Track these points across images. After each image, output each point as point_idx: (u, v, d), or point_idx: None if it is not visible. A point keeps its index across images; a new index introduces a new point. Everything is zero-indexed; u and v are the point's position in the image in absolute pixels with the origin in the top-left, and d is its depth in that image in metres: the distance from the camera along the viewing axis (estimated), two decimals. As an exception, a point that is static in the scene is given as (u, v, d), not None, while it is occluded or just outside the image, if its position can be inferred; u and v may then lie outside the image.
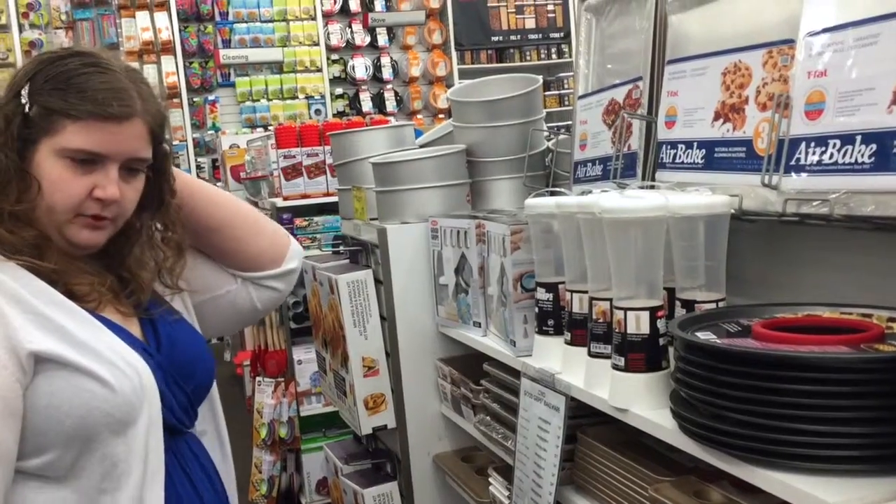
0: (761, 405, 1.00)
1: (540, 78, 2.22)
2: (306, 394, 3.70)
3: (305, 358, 3.65)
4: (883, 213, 1.10)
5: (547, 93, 7.66)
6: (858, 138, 1.14)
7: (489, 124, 2.13)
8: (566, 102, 7.79)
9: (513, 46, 8.02)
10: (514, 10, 8.00)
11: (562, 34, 8.08)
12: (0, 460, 1.06)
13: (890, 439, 0.94)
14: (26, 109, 1.17)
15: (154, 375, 1.20)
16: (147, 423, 1.17)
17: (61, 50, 1.25)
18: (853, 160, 1.15)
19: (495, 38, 7.94)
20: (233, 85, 7.24)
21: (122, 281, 1.29)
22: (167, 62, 6.96)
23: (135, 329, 1.26)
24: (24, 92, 1.17)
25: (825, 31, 1.23)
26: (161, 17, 6.95)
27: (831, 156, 1.18)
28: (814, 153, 1.22)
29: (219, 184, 5.89)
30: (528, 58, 8.03)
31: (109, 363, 1.14)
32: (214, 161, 6.87)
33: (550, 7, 8.08)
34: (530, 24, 8.06)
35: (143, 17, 6.94)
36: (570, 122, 2.15)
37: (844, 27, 1.20)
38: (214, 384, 1.40)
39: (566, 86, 7.89)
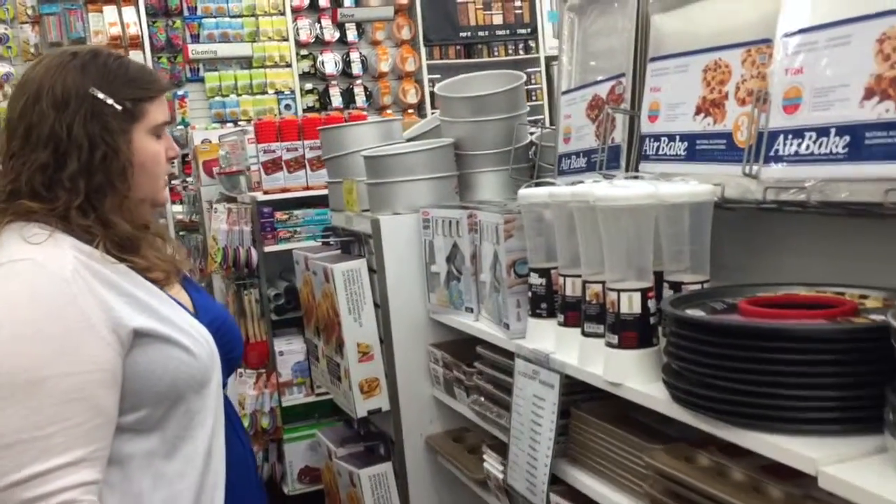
0: (750, 373, 1.10)
1: (523, 74, 2.31)
2: (288, 384, 3.76)
3: (287, 349, 3.71)
4: (856, 199, 1.20)
5: (514, 88, 7.74)
6: (833, 130, 1.25)
7: (476, 119, 2.21)
8: (534, 97, 7.88)
9: (481, 42, 8.09)
10: (481, 6, 8.07)
11: (529, 30, 8.18)
12: (109, 422, 1.22)
13: (864, 402, 1.04)
14: (117, 107, 1.31)
15: None
16: (217, 382, 1.36)
17: (71, 55, 1.34)
18: (828, 150, 1.25)
19: (463, 34, 8.00)
20: (202, 80, 7.22)
21: None
22: (135, 57, 6.84)
23: (186, 300, 1.41)
24: (101, 95, 1.30)
25: (800, 31, 1.33)
26: (129, 12, 6.91)
27: (807, 147, 1.29)
28: (791, 144, 1.32)
29: (189, 179, 5.89)
30: (495, 53, 8.11)
31: (188, 334, 1.30)
32: (185, 156, 6.86)
33: (518, 3, 8.17)
34: (498, 19, 8.13)
35: (110, 11, 6.89)
36: (540, 117, 2.24)
37: (818, 28, 1.30)
38: None
39: (534, 81, 8.00)
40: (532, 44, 8.17)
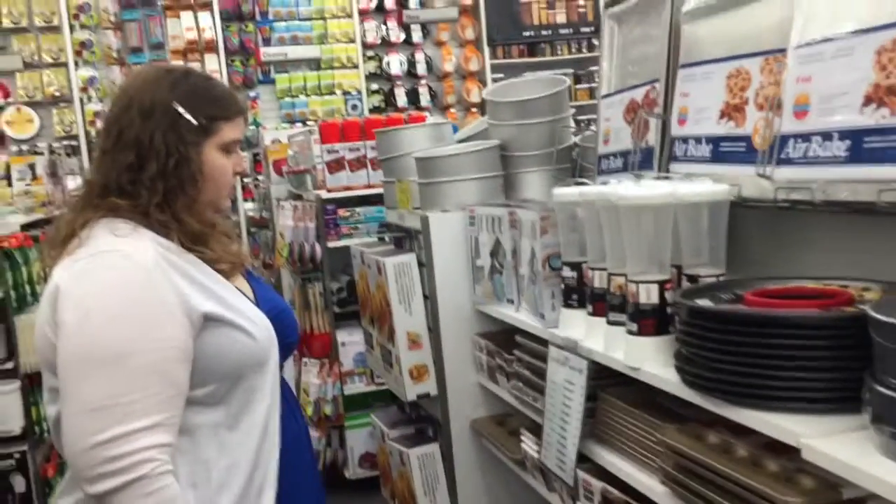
0: (746, 356, 1.21)
1: (567, 79, 2.43)
2: (349, 374, 3.95)
3: (348, 340, 3.90)
4: (854, 198, 1.30)
5: (578, 86, 7.80)
6: (836, 135, 1.34)
7: (521, 122, 2.34)
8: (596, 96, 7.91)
9: (544, 41, 8.17)
10: (545, 5, 8.15)
11: (592, 28, 8.22)
12: (181, 393, 1.39)
13: (849, 383, 1.13)
14: (193, 122, 1.48)
15: None
16: (274, 364, 1.52)
17: (166, 72, 1.54)
18: (831, 154, 1.35)
19: (527, 33, 8.09)
20: (273, 82, 7.50)
21: None
22: (210, 60, 7.25)
23: (248, 290, 1.58)
24: (182, 109, 1.47)
25: (809, 44, 1.43)
26: (204, 17, 7.23)
27: (813, 150, 1.39)
28: (800, 148, 1.42)
29: (260, 177, 6.15)
30: (559, 52, 8.19)
31: (250, 320, 1.47)
32: (255, 155, 7.14)
33: (581, 1, 8.23)
34: (561, 18, 8.21)
35: (187, 17, 7.22)
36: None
37: (825, 41, 1.40)
38: None
39: (597, 80, 8.02)
40: (595, 42, 8.21)
